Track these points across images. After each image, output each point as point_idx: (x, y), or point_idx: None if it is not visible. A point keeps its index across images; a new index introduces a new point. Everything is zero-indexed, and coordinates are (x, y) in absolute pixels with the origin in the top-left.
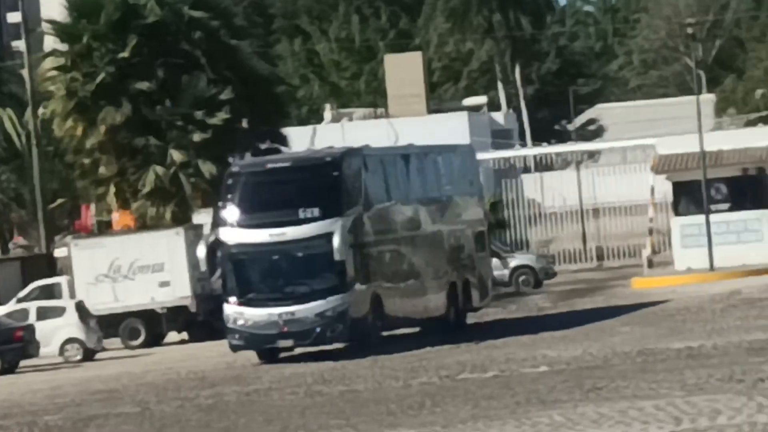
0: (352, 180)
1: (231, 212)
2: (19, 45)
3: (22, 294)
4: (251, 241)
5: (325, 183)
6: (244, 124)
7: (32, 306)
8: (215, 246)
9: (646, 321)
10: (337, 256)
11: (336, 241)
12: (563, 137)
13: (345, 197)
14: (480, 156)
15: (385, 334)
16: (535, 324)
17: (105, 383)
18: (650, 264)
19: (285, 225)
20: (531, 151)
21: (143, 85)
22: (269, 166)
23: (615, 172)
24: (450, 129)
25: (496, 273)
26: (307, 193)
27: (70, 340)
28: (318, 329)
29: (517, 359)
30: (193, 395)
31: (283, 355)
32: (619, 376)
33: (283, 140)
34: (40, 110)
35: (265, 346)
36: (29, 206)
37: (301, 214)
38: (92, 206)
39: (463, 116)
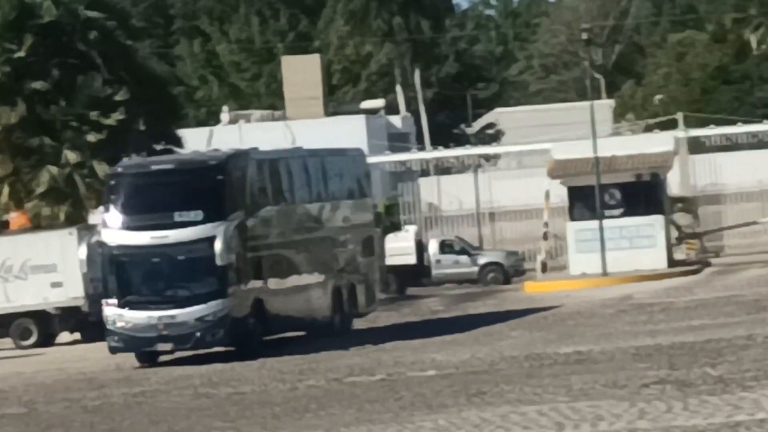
0: (237, 183)
1: (113, 214)
2: None
3: None
4: (133, 243)
5: (209, 186)
6: (140, 125)
7: None
8: (96, 247)
9: (536, 326)
10: (218, 261)
11: (218, 245)
12: (462, 141)
13: (229, 201)
14: (376, 159)
15: (273, 337)
16: (426, 328)
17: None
18: (544, 268)
19: (167, 228)
20: (427, 154)
21: (38, 85)
22: (153, 167)
23: (512, 176)
24: (347, 132)
25: (465, 270)
26: (190, 197)
27: None
28: (198, 333)
29: (406, 363)
30: (80, 396)
31: (169, 357)
32: (505, 380)
33: (178, 141)
34: None
35: (145, 349)
36: None
37: (184, 218)
38: None
39: (360, 119)
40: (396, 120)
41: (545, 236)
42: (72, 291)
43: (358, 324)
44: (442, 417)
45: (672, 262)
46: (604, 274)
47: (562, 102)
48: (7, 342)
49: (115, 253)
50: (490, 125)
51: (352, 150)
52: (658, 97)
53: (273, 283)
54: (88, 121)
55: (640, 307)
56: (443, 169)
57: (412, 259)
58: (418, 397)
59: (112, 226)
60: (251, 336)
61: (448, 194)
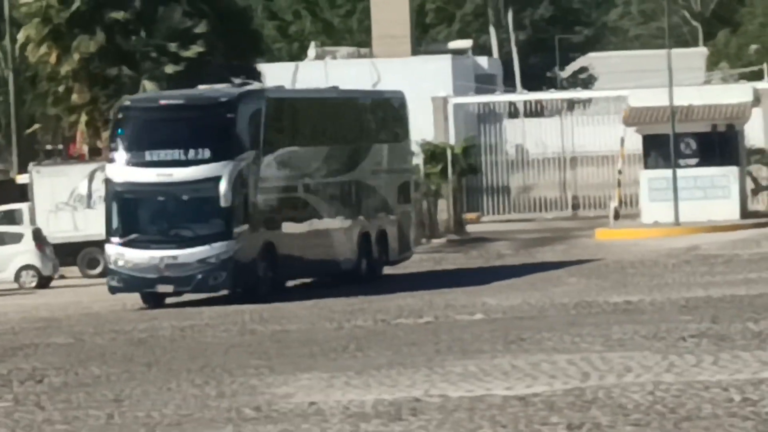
0: (248, 122)
1: (119, 149)
2: None
3: None
4: (137, 180)
5: (218, 124)
6: (219, 59)
7: None
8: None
9: (595, 273)
10: (222, 202)
11: (223, 185)
12: (553, 84)
13: (238, 140)
14: (460, 100)
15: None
16: (488, 272)
17: (50, 312)
18: (616, 216)
19: (173, 165)
20: (510, 96)
21: (118, 15)
22: (162, 102)
23: (595, 122)
24: (433, 72)
25: None
26: (198, 134)
27: (25, 267)
28: (200, 275)
29: (456, 306)
30: (130, 328)
31: (220, 295)
32: (547, 328)
33: (257, 76)
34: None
35: (145, 290)
36: (5, 131)
37: (190, 155)
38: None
39: (446, 59)
40: (483, 61)
41: (619, 183)
42: None
43: (420, 265)
44: (473, 363)
45: (745, 214)
46: (676, 223)
47: (659, 49)
48: (74, 271)
49: (118, 190)
50: (583, 70)
51: (391, 92)
52: (753, 46)
53: (287, 226)
54: (167, 52)
55: (704, 258)
56: (532, 112)
57: None
58: (457, 342)
59: (118, 162)
60: (259, 280)
61: (534, 137)
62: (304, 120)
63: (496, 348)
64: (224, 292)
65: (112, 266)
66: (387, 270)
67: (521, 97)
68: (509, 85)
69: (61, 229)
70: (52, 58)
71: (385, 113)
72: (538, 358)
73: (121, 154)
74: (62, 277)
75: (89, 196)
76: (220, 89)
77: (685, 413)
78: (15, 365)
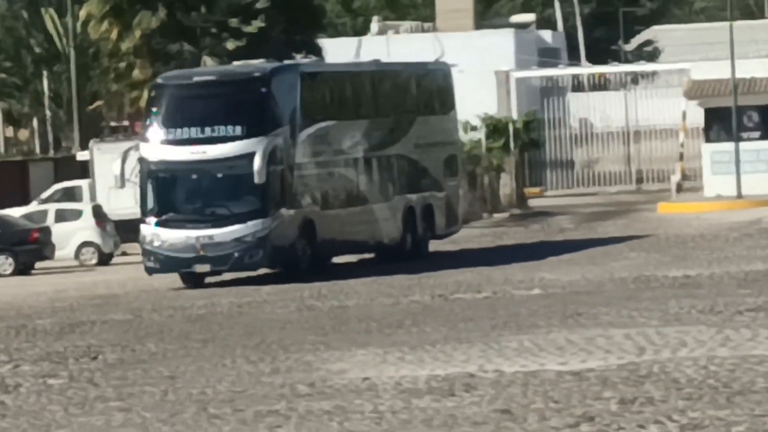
0: (283, 98)
1: (152, 127)
2: None
3: (44, 195)
4: (171, 159)
5: (251, 100)
6: (280, 34)
7: (51, 208)
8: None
9: (656, 247)
10: (256, 179)
11: (257, 162)
12: (618, 58)
13: (271, 115)
14: (522, 74)
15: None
16: (548, 247)
17: (109, 288)
18: (679, 189)
19: (206, 143)
20: (571, 70)
21: None
22: (195, 79)
23: (658, 95)
24: (495, 45)
25: None
26: (232, 110)
27: (85, 244)
28: (236, 254)
29: (514, 281)
30: (188, 305)
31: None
32: (604, 302)
33: (318, 51)
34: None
35: (182, 270)
36: (67, 107)
37: (224, 132)
38: None
39: (509, 33)
40: (546, 35)
41: (681, 157)
42: None
43: (481, 240)
44: (529, 338)
45: None
46: (739, 196)
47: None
48: (135, 247)
49: (152, 169)
50: (648, 43)
51: (435, 64)
52: None
53: (326, 203)
54: (228, 28)
55: (766, 231)
56: (597, 85)
57: None
58: (513, 317)
59: (152, 141)
60: (297, 258)
61: (598, 111)
62: (342, 94)
63: (552, 323)
64: (265, 270)
65: (147, 247)
66: (446, 245)
67: (584, 70)
68: (574, 59)
69: (122, 205)
70: (113, 35)
71: (429, 85)
72: (594, 332)
73: (154, 133)
74: (124, 253)
75: (122, 175)
76: (254, 64)
77: (739, 387)
78: (71, 342)
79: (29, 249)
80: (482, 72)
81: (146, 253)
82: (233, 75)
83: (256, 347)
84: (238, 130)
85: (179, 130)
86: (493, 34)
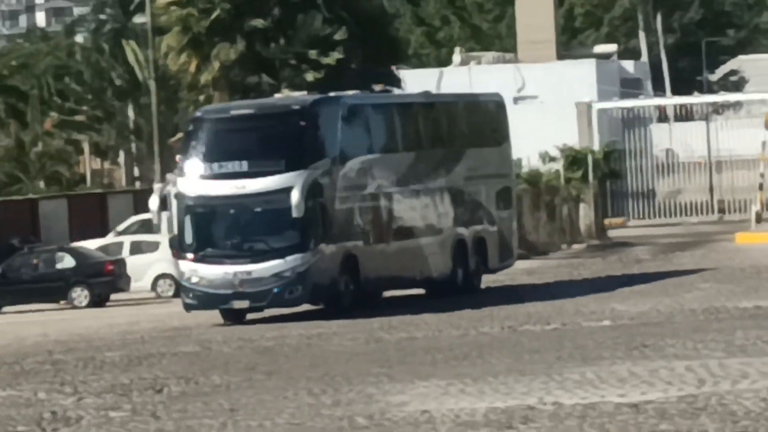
0: (323, 130)
1: (190, 161)
2: None
3: (121, 227)
4: (209, 194)
5: (290, 133)
6: (358, 65)
7: (127, 240)
8: (168, 197)
9: (730, 278)
10: (294, 213)
11: (295, 196)
12: (702, 88)
13: (311, 149)
14: (603, 105)
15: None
16: (622, 278)
17: (182, 320)
18: (758, 219)
19: (245, 177)
20: (652, 101)
21: (258, 23)
22: (233, 112)
23: (741, 125)
24: (577, 76)
25: None
26: (270, 144)
27: (162, 276)
28: (275, 290)
29: (585, 312)
30: (258, 336)
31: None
32: (671, 334)
33: (396, 81)
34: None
35: (220, 306)
36: (148, 139)
37: (262, 166)
38: None
39: (591, 63)
40: (629, 65)
41: (761, 187)
42: None
43: (558, 271)
44: (592, 369)
45: None
46: None
47: None
48: None
49: (189, 204)
50: (733, 72)
51: (488, 95)
52: None
53: (370, 237)
54: (307, 59)
55: None
56: (680, 116)
57: None
58: (579, 349)
59: (189, 175)
60: (339, 294)
61: (680, 141)
62: (386, 126)
63: (616, 355)
64: (309, 306)
65: (185, 283)
66: (521, 276)
67: (665, 101)
68: (658, 89)
69: None
70: (192, 67)
71: (482, 117)
72: (657, 364)
73: (192, 167)
74: None
75: (158, 212)
76: (295, 97)
77: None
78: (138, 375)
79: (104, 281)
80: (563, 103)
81: (185, 290)
82: (272, 108)
83: (320, 379)
84: (278, 163)
85: (217, 164)
86: (574, 65)
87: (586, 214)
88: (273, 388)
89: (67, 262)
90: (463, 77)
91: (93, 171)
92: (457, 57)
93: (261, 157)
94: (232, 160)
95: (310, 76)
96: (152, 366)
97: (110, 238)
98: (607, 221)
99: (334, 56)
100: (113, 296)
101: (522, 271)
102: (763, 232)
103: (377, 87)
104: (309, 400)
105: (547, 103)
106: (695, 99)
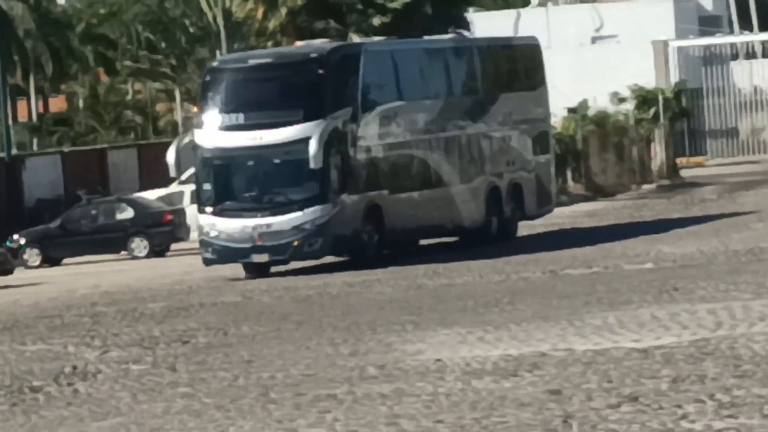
0: (342, 78)
1: (207, 113)
2: None
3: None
4: (226, 146)
5: (308, 82)
6: (428, 8)
7: (187, 189)
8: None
9: None
10: (312, 164)
11: (312, 146)
12: None
13: (330, 98)
14: (680, 44)
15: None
16: (679, 219)
17: (234, 269)
18: None
19: (263, 128)
20: (729, 39)
21: None
22: (251, 62)
23: None
24: (654, 15)
25: None
26: (288, 93)
27: None
28: (295, 243)
29: (630, 255)
30: (302, 285)
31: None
32: (706, 276)
33: (466, 25)
34: None
35: (240, 260)
36: None
37: (281, 117)
38: None
39: (668, 2)
40: (707, 3)
41: None
42: None
43: (621, 213)
44: (616, 314)
45: None
46: None
47: None
48: None
49: (207, 157)
50: None
51: (522, 38)
52: None
53: (395, 186)
54: (374, 3)
55: None
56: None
57: None
58: (610, 293)
59: (207, 127)
60: (363, 245)
61: (763, 79)
62: (410, 73)
63: (645, 299)
64: (333, 258)
65: (204, 237)
66: (579, 219)
67: (742, 38)
68: (746, 25)
69: None
70: (259, 14)
71: (515, 61)
72: (681, 308)
73: (209, 119)
74: None
75: (177, 164)
76: (315, 45)
77: None
78: (172, 326)
79: (163, 231)
80: (641, 42)
81: (203, 244)
82: (290, 57)
83: (346, 329)
84: (296, 113)
85: (234, 115)
86: (652, 4)
87: (657, 155)
88: (298, 338)
89: (126, 212)
90: (540, 18)
91: (185, 118)
92: None
93: (279, 107)
94: (249, 110)
95: (377, 21)
96: (188, 317)
97: (172, 188)
98: (685, 160)
99: (400, 0)
100: (175, 246)
101: (584, 213)
102: None
103: (452, 31)
104: (328, 350)
105: (625, 42)
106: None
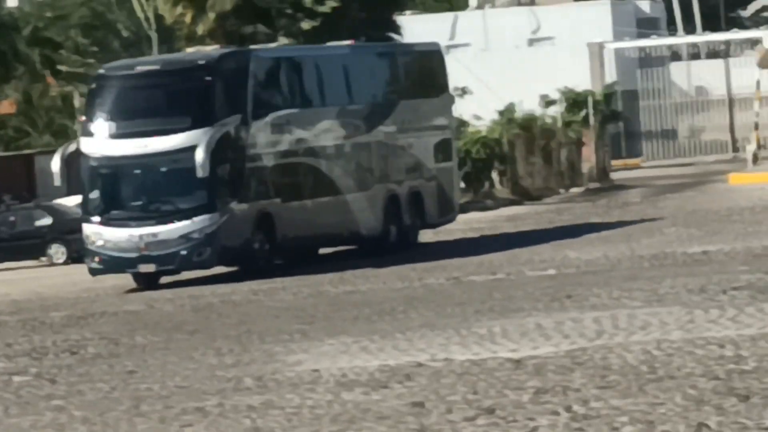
0: (231, 86)
1: (94, 121)
2: None
3: None
4: (113, 154)
5: (195, 89)
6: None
7: None
8: (72, 158)
9: (698, 222)
10: (200, 172)
11: (199, 154)
12: (736, 24)
13: (218, 105)
14: (616, 45)
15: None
16: (593, 225)
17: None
18: (755, 159)
19: (150, 135)
20: (666, 41)
21: None
22: (138, 69)
23: (746, 63)
24: (591, 18)
25: None
26: (175, 100)
27: None
28: (183, 252)
29: (536, 261)
30: (208, 293)
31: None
32: (604, 283)
33: (396, 29)
34: None
35: (126, 270)
36: None
37: (167, 124)
38: None
39: (605, 5)
40: (645, 5)
41: (756, 126)
42: None
43: (540, 218)
44: (502, 323)
45: None
46: None
47: None
48: None
49: (93, 165)
50: (765, 8)
51: (424, 44)
52: None
53: (287, 195)
54: (303, 8)
55: None
56: (712, 53)
57: None
58: (504, 301)
59: (93, 135)
60: (254, 254)
61: (698, 80)
62: (303, 79)
63: (536, 307)
64: (221, 269)
65: (90, 247)
66: (498, 224)
67: (679, 40)
68: (690, 27)
69: None
70: (188, 18)
71: (416, 67)
72: (568, 316)
73: (96, 127)
74: None
75: (61, 172)
76: (203, 52)
77: (663, 373)
78: (66, 336)
79: (81, 237)
80: (578, 45)
81: (89, 254)
82: (177, 63)
83: (237, 338)
84: (182, 121)
85: (120, 122)
86: (589, 6)
87: (587, 158)
88: (185, 348)
89: (44, 219)
90: (477, 21)
91: None
92: (474, 0)
93: (166, 114)
94: (136, 118)
95: (306, 25)
96: (85, 326)
97: None
98: (621, 162)
99: (329, 4)
100: None
101: (506, 217)
102: (757, 172)
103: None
104: (212, 361)
105: (562, 45)
106: (706, 37)
